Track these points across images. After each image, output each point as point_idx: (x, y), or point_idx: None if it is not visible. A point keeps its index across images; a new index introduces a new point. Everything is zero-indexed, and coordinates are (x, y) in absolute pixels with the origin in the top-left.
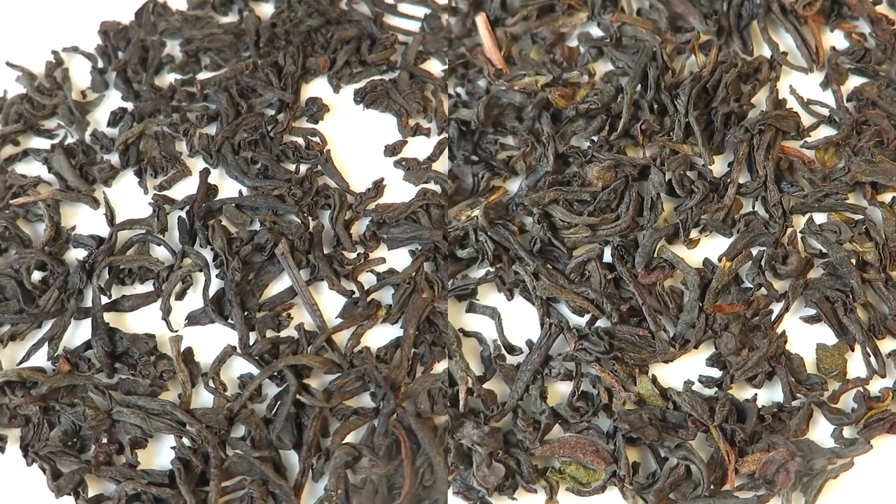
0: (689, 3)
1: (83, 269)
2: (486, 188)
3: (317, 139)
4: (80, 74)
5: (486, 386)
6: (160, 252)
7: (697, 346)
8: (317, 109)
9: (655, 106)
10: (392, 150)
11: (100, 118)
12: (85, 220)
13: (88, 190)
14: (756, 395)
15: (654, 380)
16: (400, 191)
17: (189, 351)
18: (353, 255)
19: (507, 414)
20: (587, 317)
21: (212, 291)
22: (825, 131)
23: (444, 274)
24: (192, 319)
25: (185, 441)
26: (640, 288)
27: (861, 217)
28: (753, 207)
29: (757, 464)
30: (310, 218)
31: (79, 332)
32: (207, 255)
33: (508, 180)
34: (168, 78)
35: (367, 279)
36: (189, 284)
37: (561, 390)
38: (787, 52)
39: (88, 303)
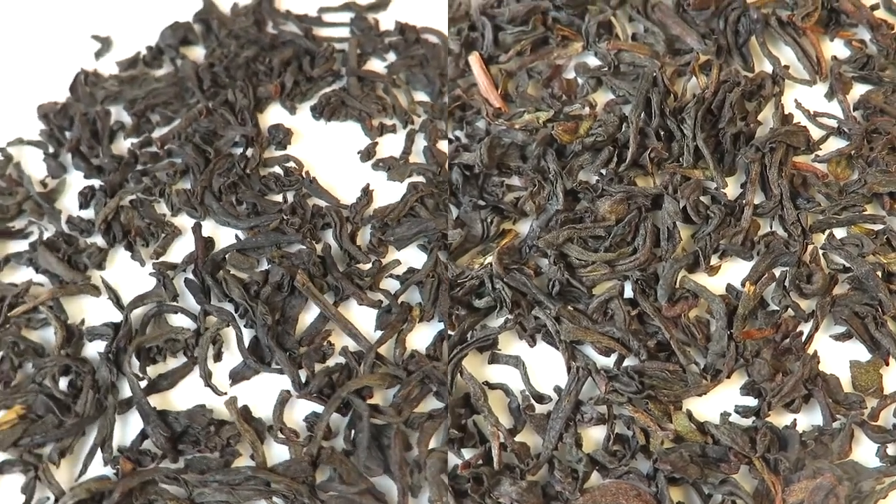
0: (685, 24)
1: (109, 360)
2: (496, 233)
3: (291, 164)
4: (34, 165)
5: (518, 439)
6: (180, 320)
7: (730, 376)
8: (282, 135)
9: (662, 132)
10: (367, 154)
11: (68, 204)
12: (91, 311)
13: (84, 279)
14: (795, 420)
15: (689, 415)
16: (388, 191)
17: (246, 409)
18: (368, 266)
19: (543, 466)
20: (614, 356)
21: (246, 342)
22: (835, 143)
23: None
24: (237, 376)
25: (277, 500)
26: (666, 321)
27: (881, 227)
28: (771, 227)
29: (805, 492)
30: (313, 242)
31: (128, 427)
32: (228, 307)
33: (518, 222)
34: (124, 144)
35: (390, 284)
36: (220, 343)
37: (595, 436)
38: (788, 66)
39: (125, 393)
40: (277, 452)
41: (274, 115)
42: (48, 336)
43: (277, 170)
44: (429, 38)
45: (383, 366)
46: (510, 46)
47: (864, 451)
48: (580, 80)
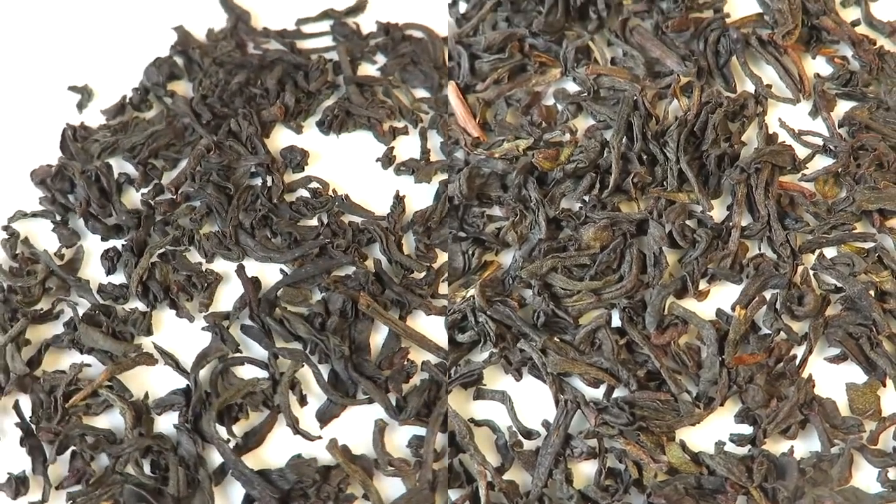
0: (664, 46)
1: (189, 430)
2: (478, 265)
3: (314, 184)
4: (43, 237)
5: (506, 477)
6: (248, 371)
7: (723, 403)
8: (299, 157)
9: (644, 156)
10: (387, 160)
11: (93, 272)
12: (153, 381)
13: (136, 349)
14: (792, 447)
15: (683, 446)
16: (418, 194)
17: (347, 449)
18: (423, 274)
19: None
20: (603, 387)
21: (326, 378)
22: (821, 161)
23: None
24: (326, 416)
25: None
26: (655, 350)
27: (872, 245)
28: (760, 249)
29: None
30: (363, 260)
31: (230, 497)
32: (297, 346)
33: (501, 253)
34: (135, 197)
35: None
36: (299, 385)
37: (586, 471)
38: (770, 85)
39: (214, 462)
40: (390, 488)
41: (280, 137)
42: (115, 420)
43: (303, 193)
44: (413, 33)
45: None
46: (487, 75)
47: (865, 477)
48: (559, 107)
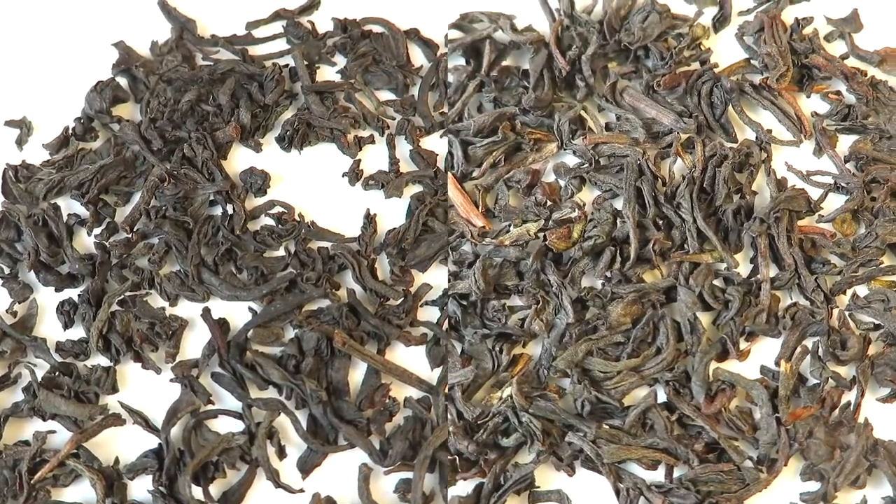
0: (657, 105)
1: (164, 495)
2: (508, 361)
3: (278, 209)
4: None
5: None
6: (224, 424)
7: (787, 463)
8: (260, 180)
9: (660, 221)
10: (354, 174)
11: (49, 329)
12: (122, 444)
13: (102, 411)
14: (864, 497)
15: None
16: (390, 210)
17: (331, 500)
18: (399, 300)
19: None
20: (661, 468)
21: (305, 425)
22: (834, 199)
23: None
24: (307, 465)
25: None
26: (708, 419)
27: None
28: (791, 298)
29: None
30: (335, 291)
31: None
32: (272, 393)
33: (529, 344)
34: (88, 241)
35: (429, 313)
36: (276, 434)
37: None
38: (770, 130)
39: None
40: None
41: (239, 157)
42: (86, 491)
43: (267, 220)
44: (373, 28)
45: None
46: (482, 160)
47: None
48: (562, 182)
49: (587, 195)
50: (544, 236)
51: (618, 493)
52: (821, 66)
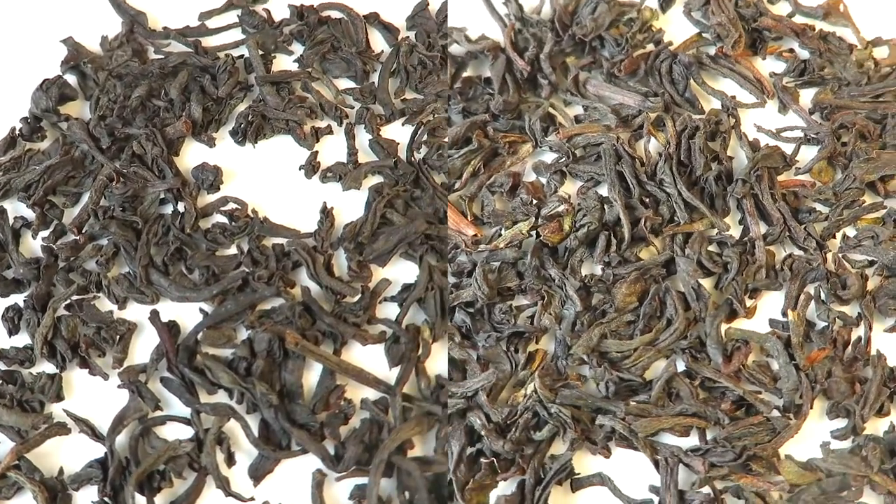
0: (623, 90)
1: None
2: (525, 360)
3: (231, 205)
4: None
5: None
6: (172, 431)
7: (812, 406)
8: (212, 176)
9: (646, 199)
10: (310, 167)
11: None
12: (67, 454)
13: (46, 419)
14: (892, 423)
15: (792, 460)
16: (348, 203)
17: None
18: (357, 297)
19: None
20: (693, 434)
21: (256, 430)
22: (807, 151)
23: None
24: (258, 472)
25: None
26: (730, 378)
27: (885, 211)
28: (785, 251)
29: None
30: (289, 289)
31: None
32: (222, 398)
33: (542, 340)
34: (35, 244)
35: (388, 310)
36: (227, 441)
37: None
38: (734, 96)
39: None
40: None
41: (191, 154)
42: (27, 503)
43: (220, 218)
44: (331, 14)
45: (413, 406)
46: (461, 170)
47: None
48: (543, 179)
49: (570, 187)
50: (537, 233)
51: (657, 464)
52: (770, 28)
